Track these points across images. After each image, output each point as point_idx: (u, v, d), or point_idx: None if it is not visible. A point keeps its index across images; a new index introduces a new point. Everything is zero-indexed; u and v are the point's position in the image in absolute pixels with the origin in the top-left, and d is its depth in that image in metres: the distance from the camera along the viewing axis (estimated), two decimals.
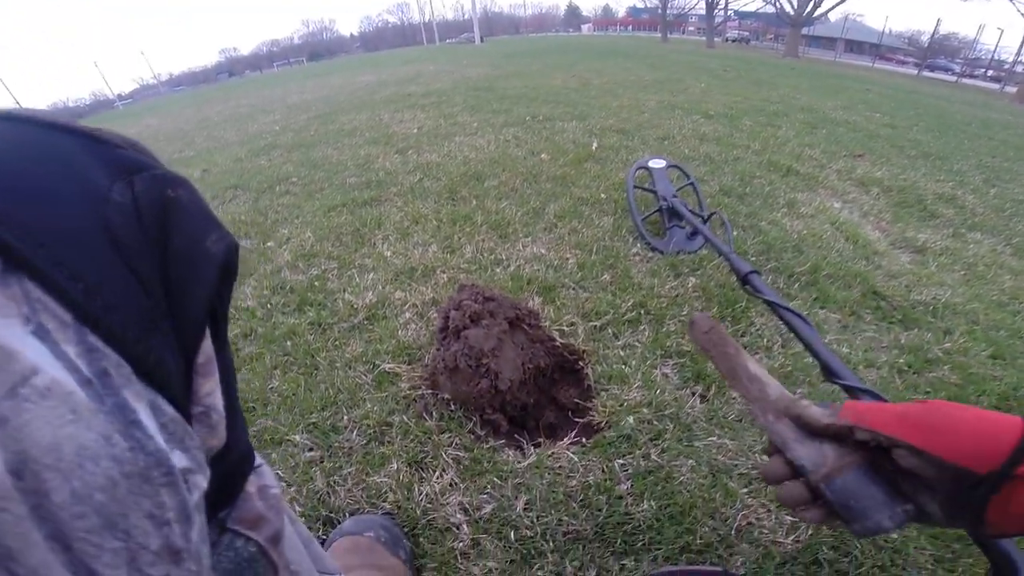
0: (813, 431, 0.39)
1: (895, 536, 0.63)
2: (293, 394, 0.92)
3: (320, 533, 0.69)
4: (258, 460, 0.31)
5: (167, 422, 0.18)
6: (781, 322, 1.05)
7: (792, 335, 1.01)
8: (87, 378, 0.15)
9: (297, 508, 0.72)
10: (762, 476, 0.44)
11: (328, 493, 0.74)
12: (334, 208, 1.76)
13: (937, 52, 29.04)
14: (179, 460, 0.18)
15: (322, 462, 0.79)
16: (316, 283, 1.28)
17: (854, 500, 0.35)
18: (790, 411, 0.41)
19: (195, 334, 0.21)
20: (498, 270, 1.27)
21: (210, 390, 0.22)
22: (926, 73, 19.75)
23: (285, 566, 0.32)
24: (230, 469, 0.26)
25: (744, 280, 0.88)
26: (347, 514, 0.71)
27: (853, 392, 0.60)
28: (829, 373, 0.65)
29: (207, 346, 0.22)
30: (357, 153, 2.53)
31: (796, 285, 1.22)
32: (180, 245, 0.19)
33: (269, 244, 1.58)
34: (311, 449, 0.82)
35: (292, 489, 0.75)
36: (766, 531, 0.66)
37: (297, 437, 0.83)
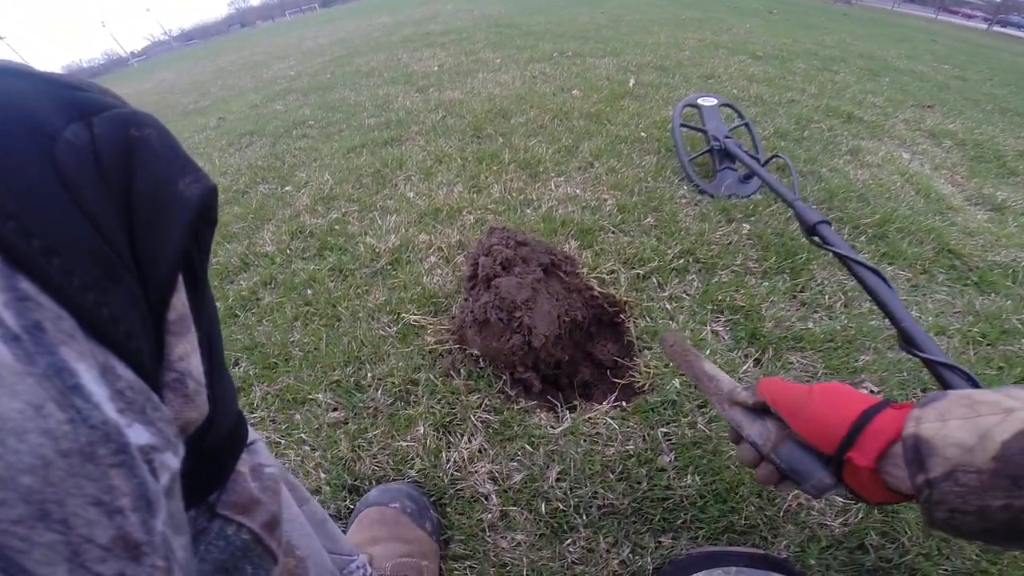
0: (752, 410, 0.46)
1: None
2: (315, 348, 0.88)
3: (347, 502, 0.66)
4: (252, 436, 0.28)
5: (124, 389, 0.15)
6: (851, 279, 0.95)
7: (861, 294, 0.92)
8: (13, 333, 0.13)
9: (322, 475, 0.69)
10: (740, 462, 0.48)
11: (353, 459, 0.70)
12: (353, 149, 1.70)
13: (1010, 8, 25.61)
14: (138, 435, 0.15)
15: (346, 424, 0.75)
16: (336, 227, 1.23)
17: (797, 464, 0.41)
18: (731, 397, 0.48)
19: (164, 286, 0.18)
20: (528, 211, 1.18)
21: (184, 352, 0.19)
22: (997, 28, 17.85)
23: (291, 551, 0.30)
24: (217, 446, 0.23)
25: (811, 231, 0.78)
26: (373, 482, 0.68)
27: (936, 368, 0.51)
28: (909, 343, 0.56)
29: (180, 301, 0.19)
30: (376, 93, 2.41)
31: (862, 238, 1.09)
32: (147, 188, 0.17)
33: (287, 188, 1.53)
34: (335, 409, 0.78)
35: (317, 454, 0.72)
36: (815, 513, 0.61)
37: (320, 396, 0.79)
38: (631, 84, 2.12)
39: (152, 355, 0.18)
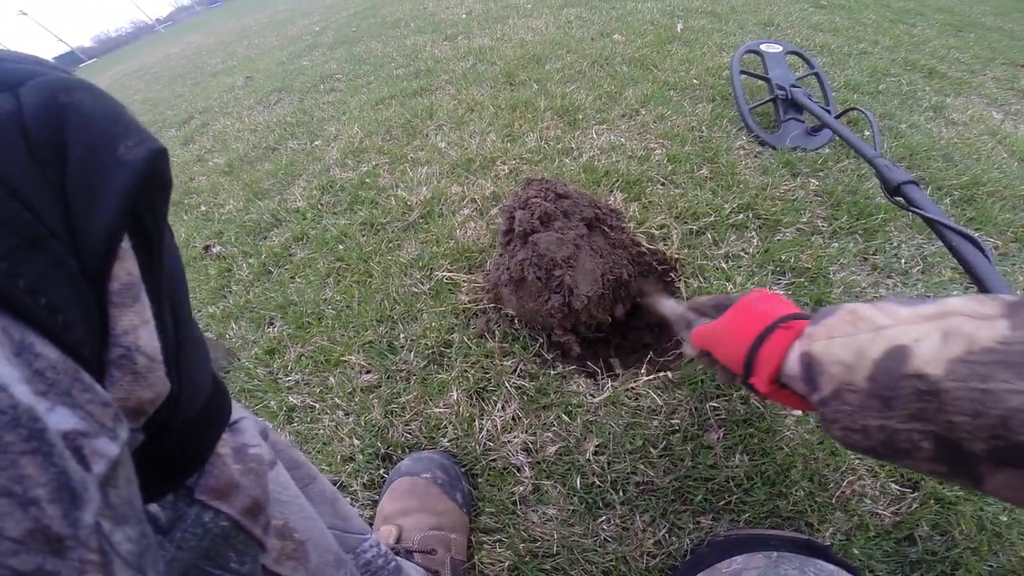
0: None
1: (1003, 519, 0.55)
2: (347, 307, 0.86)
3: (381, 471, 0.65)
4: (239, 413, 0.26)
5: (43, 369, 0.14)
6: (933, 243, 0.85)
7: (943, 260, 0.82)
8: None
9: (356, 442, 0.68)
10: (719, 381, 0.53)
11: (386, 426, 0.69)
12: (382, 101, 1.64)
13: None
14: (61, 420, 0.14)
15: (379, 387, 0.73)
16: (367, 180, 1.20)
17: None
18: (685, 317, 0.56)
19: (102, 254, 0.17)
20: (567, 160, 1.10)
21: (131, 326, 0.17)
22: None
23: (288, 534, 0.28)
24: (189, 427, 0.21)
25: (896, 191, 0.70)
26: (406, 450, 0.66)
27: None
28: None
29: (124, 270, 0.17)
30: (403, 44, 2.32)
31: (947, 200, 0.97)
32: (79, 154, 0.16)
33: (316, 143, 1.50)
34: (368, 372, 0.76)
35: (351, 419, 0.70)
36: (867, 501, 0.57)
37: (354, 358, 0.77)
38: (679, 29, 1.94)
39: (89, 330, 0.16)
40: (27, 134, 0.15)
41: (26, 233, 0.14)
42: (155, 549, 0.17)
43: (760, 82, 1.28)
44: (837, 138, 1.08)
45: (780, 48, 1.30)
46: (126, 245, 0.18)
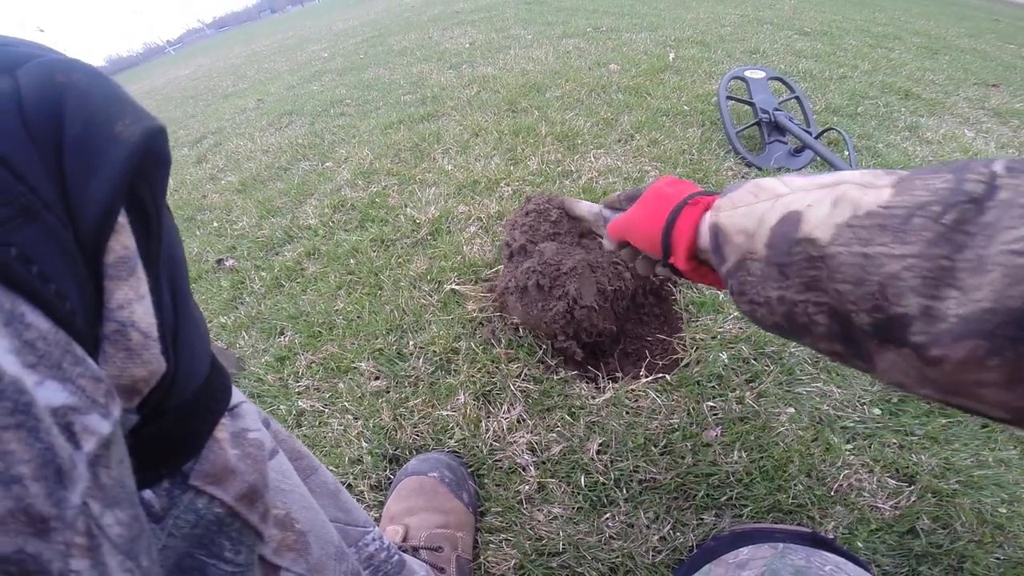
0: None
1: (1002, 510, 0.57)
2: (358, 316, 0.89)
3: (388, 472, 0.67)
4: (238, 397, 0.25)
5: (34, 340, 0.13)
6: None
7: None
8: None
9: (364, 444, 0.70)
10: (636, 271, 0.56)
11: (394, 429, 0.71)
12: (390, 126, 1.70)
13: None
14: (51, 394, 0.13)
15: (388, 392, 0.76)
16: (377, 199, 1.24)
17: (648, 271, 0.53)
18: (600, 215, 0.59)
19: (99, 228, 0.17)
20: (567, 182, 1.16)
21: (126, 299, 0.17)
22: None
23: (290, 525, 0.27)
24: (184, 408, 0.21)
25: None
26: (413, 451, 0.68)
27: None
28: None
29: (120, 243, 0.17)
30: (409, 71, 2.40)
31: None
32: (76, 131, 0.16)
33: (328, 164, 1.55)
34: (377, 378, 0.79)
35: (359, 423, 0.72)
36: (866, 495, 0.58)
37: (363, 364, 0.80)
38: (671, 58, 2.04)
39: (83, 302, 0.16)
40: (24, 112, 0.15)
41: (19, 204, 0.14)
42: (149, 535, 0.16)
43: (746, 106, 1.36)
44: (818, 158, 1.14)
45: (763, 74, 1.38)
46: (123, 220, 0.18)
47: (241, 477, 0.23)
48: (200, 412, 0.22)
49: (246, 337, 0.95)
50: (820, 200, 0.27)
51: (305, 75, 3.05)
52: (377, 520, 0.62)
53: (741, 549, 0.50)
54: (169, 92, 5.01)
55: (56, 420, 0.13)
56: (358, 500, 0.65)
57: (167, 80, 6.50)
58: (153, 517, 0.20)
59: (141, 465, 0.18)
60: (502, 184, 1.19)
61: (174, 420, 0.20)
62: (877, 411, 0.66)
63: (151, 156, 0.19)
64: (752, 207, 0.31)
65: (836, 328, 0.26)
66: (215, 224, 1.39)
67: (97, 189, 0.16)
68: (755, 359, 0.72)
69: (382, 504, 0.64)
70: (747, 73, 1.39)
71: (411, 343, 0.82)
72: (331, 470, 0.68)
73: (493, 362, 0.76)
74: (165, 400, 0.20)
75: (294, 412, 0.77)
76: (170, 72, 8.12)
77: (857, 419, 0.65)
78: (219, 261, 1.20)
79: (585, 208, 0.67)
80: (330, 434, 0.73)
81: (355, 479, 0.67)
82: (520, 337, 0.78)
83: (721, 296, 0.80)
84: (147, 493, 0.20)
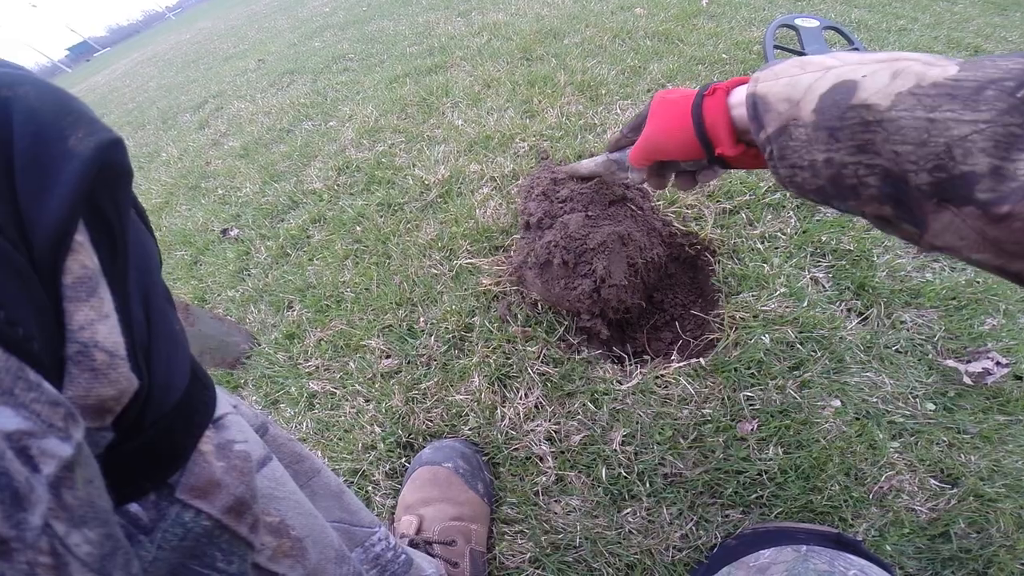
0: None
1: None
2: (366, 289, 0.85)
3: (403, 460, 0.64)
4: (224, 408, 0.25)
5: None
6: None
7: None
8: None
9: (377, 430, 0.66)
10: (654, 188, 0.52)
11: (407, 414, 0.67)
12: (396, 79, 1.60)
13: None
14: (3, 420, 0.13)
15: (400, 373, 0.72)
16: (383, 160, 1.17)
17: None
18: (627, 182, 0.65)
19: (52, 247, 0.16)
20: (590, 137, 1.05)
21: (87, 320, 0.17)
22: None
23: (285, 532, 0.27)
24: (165, 423, 0.21)
25: None
26: (427, 438, 0.65)
27: None
28: None
29: (78, 263, 0.17)
30: (415, 21, 2.26)
31: None
32: (26, 147, 0.16)
33: (331, 123, 1.47)
34: (388, 356, 0.74)
35: (371, 406, 0.69)
36: (904, 496, 0.54)
37: (373, 342, 0.76)
38: (704, 3, 1.83)
39: (41, 326, 0.16)
40: None
41: None
42: (125, 552, 0.16)
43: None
44: None
45: (817, 23, 1.23)
46: (81, 238, 0.17)
47: (227, 490, 0.23)
48: (182, 426, 0.22)
49: (255, 312, 0.91)
50: (876, 72, 0.27)
51: (306, 31, 2.94)
52: (394, 508, 0.60)
53: (763, 551, 0.47)
54: (171, 57, 4.90)
55: (11, 445, 0.13)
56: (373, 487, 0.63)
57: (168, 46, 6.35)
58: (142, 529, 0.20)
59: (126, 479, 0.19)
60: (517, 139, 1.10)
61: (155, 435, 0.20)
62: (931, 406, 0.59)
63: (108, 169, 0.18)
64: (797, 78, 0.31)
65: (888, 189, 0.27)
66: (219, 192, 1.34)
67: (51, 208, 0.16)
68: (801, 343, 0.64)
69: (398, 492, 0.61)
70: (798, 21, 1.23)
71: (422, 319, 0.77)
72: (345, 457, 0.65)
73: (509, 341, 0.70)
74: (142, 416, 0.19)
75: (305, 395, 0.74)
76: (171, 37, 7.93)
77: (907, 414, 0.58)
78: (224, 231, 1.16)
79: (591, 165, 0.63)
80: (343, 418, 0.70)
81: (370, 465, 0.64)
82: (539, 313, 0.72)
83: (766, 268, 0.71)
84: (134, 506, 0.20)
